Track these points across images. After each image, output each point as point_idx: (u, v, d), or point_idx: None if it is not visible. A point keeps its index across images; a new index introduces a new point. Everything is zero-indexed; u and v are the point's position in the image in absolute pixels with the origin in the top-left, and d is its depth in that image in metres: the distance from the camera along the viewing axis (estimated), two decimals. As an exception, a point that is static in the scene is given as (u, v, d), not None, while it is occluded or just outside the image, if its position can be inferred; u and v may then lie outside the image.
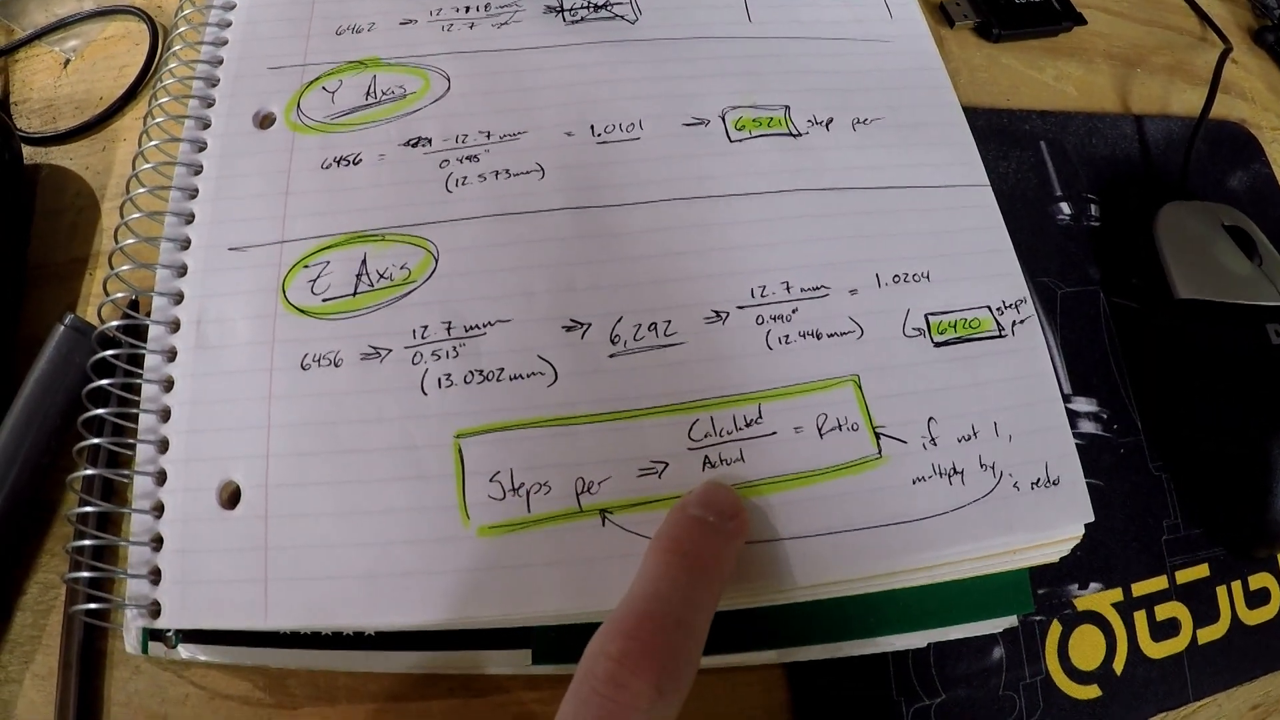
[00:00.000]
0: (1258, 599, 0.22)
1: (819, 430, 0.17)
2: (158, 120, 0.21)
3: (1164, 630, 0.21)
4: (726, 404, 0.17)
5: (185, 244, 0.19)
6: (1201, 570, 0.21)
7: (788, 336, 0.18)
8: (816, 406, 0.17)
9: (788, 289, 0.18)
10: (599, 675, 0.13)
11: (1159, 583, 0.21)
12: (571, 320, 0.18)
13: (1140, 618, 0.20)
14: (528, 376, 0.17)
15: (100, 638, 0.18)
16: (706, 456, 0.17)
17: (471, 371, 0.17)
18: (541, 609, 0.16)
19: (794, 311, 0.18)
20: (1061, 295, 0.22)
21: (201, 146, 0.20)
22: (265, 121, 0.21)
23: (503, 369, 0.17)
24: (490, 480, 0.17)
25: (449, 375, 0.17)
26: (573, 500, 0.16)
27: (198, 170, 0.20)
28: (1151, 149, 0.25)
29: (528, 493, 0.16)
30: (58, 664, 0.18)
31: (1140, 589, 0.21)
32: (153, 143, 0.21)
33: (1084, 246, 0.23)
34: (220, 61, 0.22)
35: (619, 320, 0.18)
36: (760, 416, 0.17)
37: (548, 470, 0.17)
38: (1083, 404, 0.21)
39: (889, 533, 0.17)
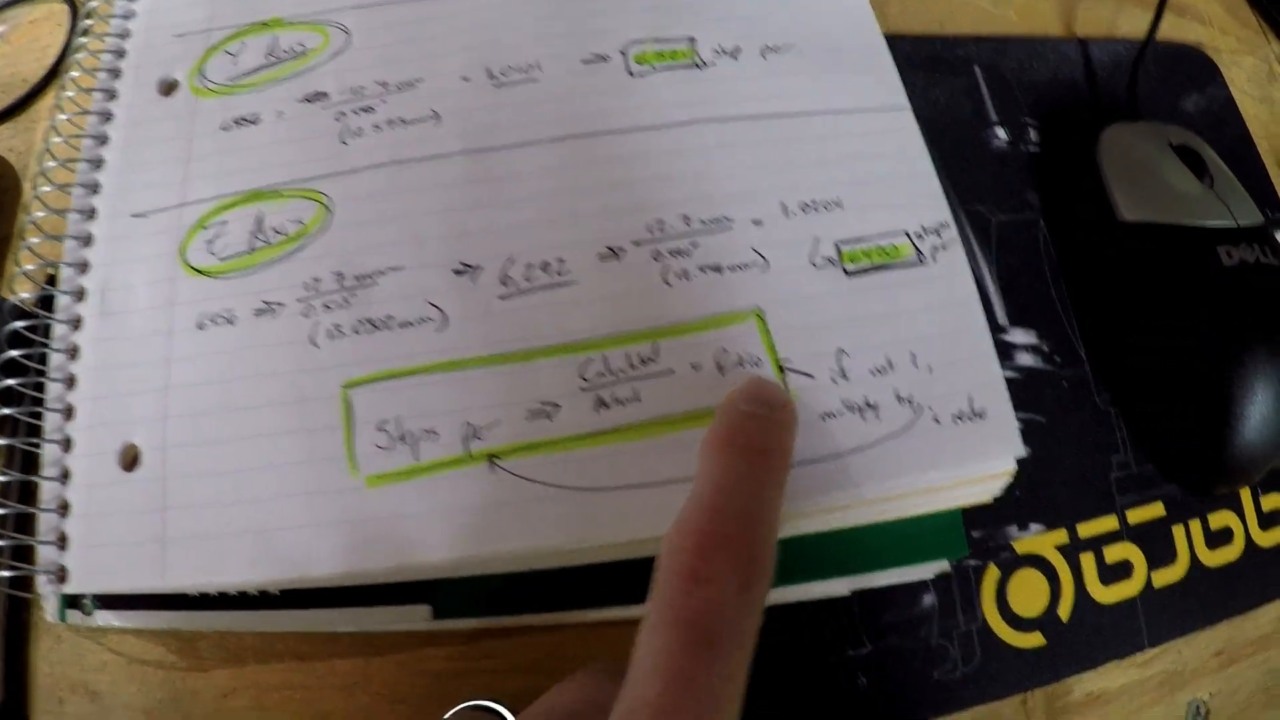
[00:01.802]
0: (1219, 539, 0.20)
1: (719, 367, 0.15)
2: (69, 94, 0.20)
3: (1114, 573, 0.19)
4: (620, 342, 0.16)
5: (91, 214, 0.18)
6: (1155, 509, 0.19)
7: (686, 272, 0.16)
8: (715, 342, 0.16)
9: (687, 222, 0.16)
10: (679, 572, 0.12)
11: (1108, 523, 0.19)
12: (462, 264, 0.16)
13: (1088, 560, 0.18)
14: (417, 323, 0.16)
15: (25, 609, 0.17)
16: (600, 396, 0.15)
17: (361, 320, 0.16)
18: (432, 558, 0.15)
19: (694, 246, 0.16)
20: (997, 223, 0.20)
21: (108, 117, 0.19)
22: (169, 89, 0.20)
23: (392, 316, 0.16)
24: (378, 429, 0.15)
25: (339, 326, 0.16)
26: (461, 446, 0.15)
27: (105, 141, 0.19)
28: (1097, 72, 0.23)
29: (416, 440, 0.15)
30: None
31: (1087, 530, 0.19)
32: (63, 116, 0.20)
33: (1022, 172, 0.21)
34: (128, 34, 0.21)
35: (510, 262, 0.16)
36: (656, 355, 0.15)
37: (436, 417, 0.15)
38: (1020, 335, 0.19)
39: (795, 473, 0.15)
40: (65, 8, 0.25)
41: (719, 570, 0.12)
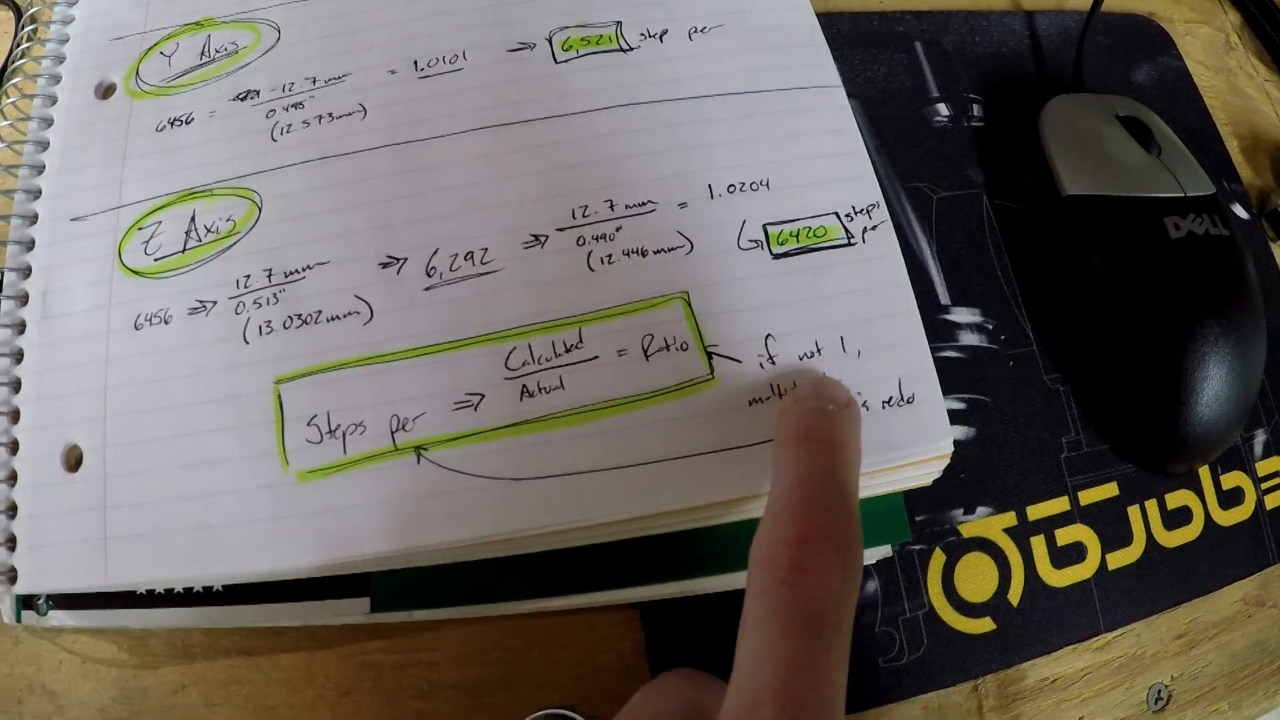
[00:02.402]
0: (1177, 519, 0.19)
1: (644, 352, 0.15)
2: (11, 100, 0.20)
3: (1067, 556, 0.18)
4: (544, 330, 0.15)
5: (33, 219, 0.18)
6: (1109, 489, 0.19)
7: (610, 256, 0.16)
8: (641, 327, 0.15)
9: (611, 207, 0.16)
10: (782, 565, 0.12)
11: (1059, 504, 0.18)
12: (388, 257, 0.16)
13: (1038, 543, 0.18)
14: (344, 316, 0.16)
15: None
16: (524, 385, 0.15)
17: (290, 316, 0.16)
18: (363, 551, 0.14)
19: (618, 230, 0.16)
20: (938, 200, 0.19)
21: (49, 122, 0.19)
22: (106, 92, 0.20)
23: (320, 311, 0.16)
24: (308, 424, 0.15)
25: (269, 322, 0.16)
26: (388, 439, 0.15)
27: (45, 146, 0.19)
28: (1043, 45, 0.23)
29: (344, 434, 0.15)
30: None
31: (1037, 512, 0.18)
32: (4, 122, 0.20)
33: (965, 148, 0.20)
34: (67, 39, 0.21)
35: (435, 253, 0.16)
36: (581, 341, 0.15)
37: (363, 410, 0.15)
38: (964, 314, 0.19)
39: (724, 458, 0.15)
40: (10, 15, 0.25)
41: (823, 560, 0.12)
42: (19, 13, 0.25)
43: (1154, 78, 0.24)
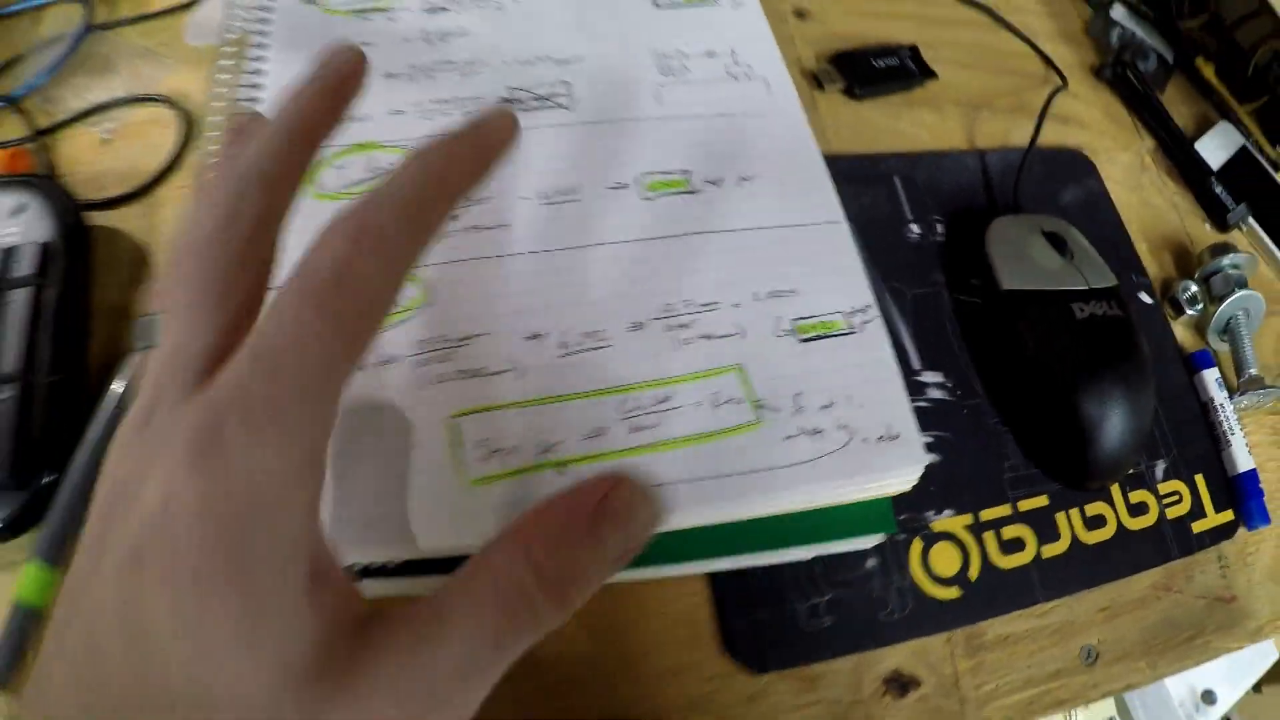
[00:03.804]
0: (1094, 523, 0.27)
1: (714, 404, 0.23)
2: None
3: (1011, 547, 0.26)
4: (646, 387, 0.24)
5: None
6: (1041, 500, 0.27)
7: (689, 339, 0.24)
8: (710, 387, 0.24)
9: (687, 305, 0.25)
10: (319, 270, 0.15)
11: (1004, 510, 0.26)
12: (532, 332, 0.25)
13: (989, 537, 0.26)
14: (502, 373, 0.24)
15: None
16: (633, 423, 0.23)
17: (460, 370, 0.24)
18: None
19: (693, 321, 0.24)
20: (912, 295, 0.28)
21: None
22: None
23: (484, 368, 0.24)
24: (477, 446, 0.23)
25: (444, 373, 0.24)
26: (538, 456, 0.23)
27: None
28: (992, 176, 0.32)
29: (505, 454, 0.23)
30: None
31: (987, 515, 0.26)
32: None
33: (931, 257, 0.29)
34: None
35: (566, 331, 0.24)
36: (670, 396, 0.24)
37: (518, 437, 0.23)
38: (931, 376, 0.27)
39: (768, 475, 0.23)
40: (171, 112, 0.33)
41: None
42: (179, 108, 0.34)
43: (1079, 197, 0.33)
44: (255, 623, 0.13)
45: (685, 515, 0.23)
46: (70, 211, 0.27)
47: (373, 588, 0.25)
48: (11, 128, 0.30)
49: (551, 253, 0.26)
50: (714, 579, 0.24)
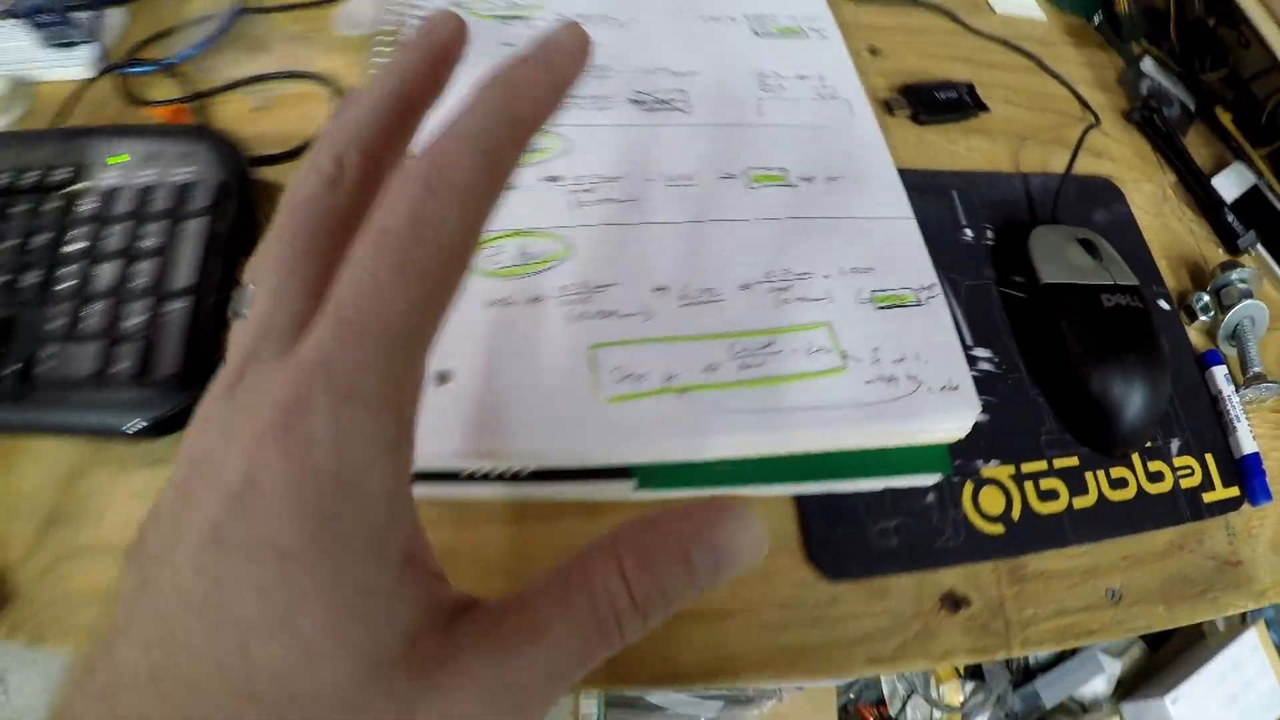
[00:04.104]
0: (1118, 484, 0.32)
1: (808, 351, 0.29)
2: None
3: (1047, 496, 0.31)
4: (752, 335, 0.29)
5: None
6: (1073, 460, 0.32)
7: (787, 299, 0.30)
8: (806, 338, 0.29)
9: (785, 273, 0.30)
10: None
11: (1041, 465, 0.31)
12: (658, 285, 0.30)
13: (1029, 486, 0.31)
14: (633, 315, 0.29)
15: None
16: (741, 361, 0.28)
17: (598, 311, 0.29)
18: (646, 451, 0.27)
19: (790, 285, 0.30)
20: (965, 286, 0.34)
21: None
22: None
23: (617, 310, 0.29)
24: (611, 371, 0.28)
25: (584, 312, 0.29)
26: (662, 383, 0.28)
27: None
28: (1034, 195, 0.37)
29: (634, 379, 0.28)
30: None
31: (1027, 468, 0.31)
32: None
33: (982, 257, 0.35)
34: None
35: (686, 286, 0.30)
36: (772, 343, 0.29)
37: (646, 367, 0.28)
38: (981, 352, 0.33)
39: (850, 410, 0.28)
40: (321, 89, 0.37)
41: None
42: (330, 85, 0.40)
43: (1108, 218, 0.38)
44: (345, 610, 0.13)
45: (779, 441, 0.28)
46: (237, 160, 0.33)
47: (490, 491, 0.30)
48: (166, 90, 0.37)
49: (674, 225, 0.32)
50: (800, 501, 0.29)
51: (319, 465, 0.13)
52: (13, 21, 0.37)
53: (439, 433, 0.26)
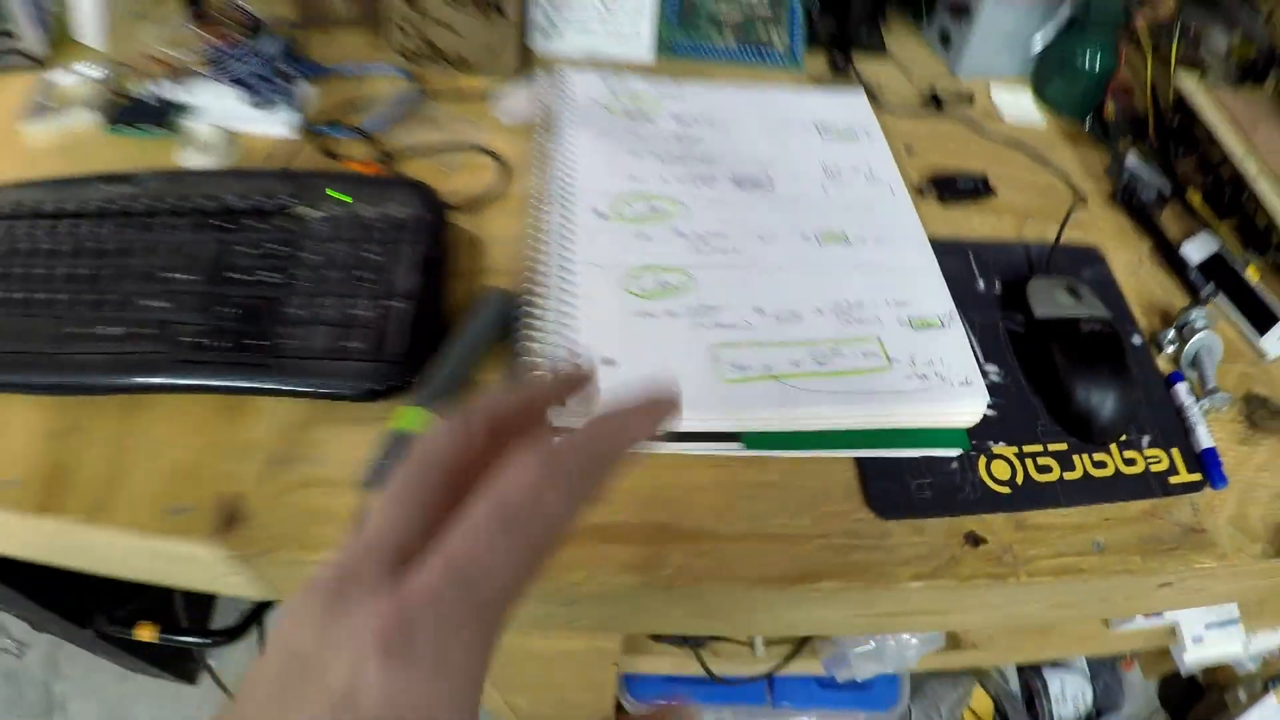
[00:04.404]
0: (1099, 465, 0.43)
1: (863, 355, 0.42)
2: (542, 211, 0.50)
3: (1043, 470, 0.42)
4: (824, 343, 0.42)
5: (567, 264, 0.47)
6: (1062, 446, 0.43)
7: (849, 320, 0.43)
8: (861, 346, 0.42)
9: (848, 302, 0.43)
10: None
11: (1038, 448, 0.43)
12: (755, 308, 0.43)
13: (1029, 461, 0.42)
14: (741, 326, 0.43)
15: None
16: (816, 359, 0.41)
17: (715, 323, 0.43)
18: (752, 420, 0.40)
19: (851, 311, 0.43)
20: (979, 323, 0.46)
21: (567, 225, 0.49)
22: (602, 216, 0.49)
23: (729, 323, 0.43)
24: (728, 364, 0.41)
25: (705, 323, 0.43)
26: (764, 372, 0.41)
27: (570, 237, 0.48)
28: (1032, 258, 0.50)
29: (744, 369, 0.41)
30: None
31: (1028, 449, 0.43)
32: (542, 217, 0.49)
33: (991, 302, 0.48)
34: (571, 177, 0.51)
35: (778, 309, 0.43)
36: (839, 348, 0.42)
37: (751, 360, 0.41)
38: (991, 368, 0.45)
39: (894, 395, 0.40)
40: (485, 159, 0.53)
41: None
42: (507, 167, 0.56)
43: (1092, 276, 0.51)
44: None
45: (843, 415, 0.40)
46: (438, 204, 0.48)
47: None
48: (353, 152, 0.53)
49: (766, 267, 0.46)
50: (860, 462, 0.41)
51: (415, 695, 0.15)
52: (226, 84, 0.55)
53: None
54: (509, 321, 0.43)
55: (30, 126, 0.57)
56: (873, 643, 0.77)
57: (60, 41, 0.64)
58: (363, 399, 0.41)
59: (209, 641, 0.85)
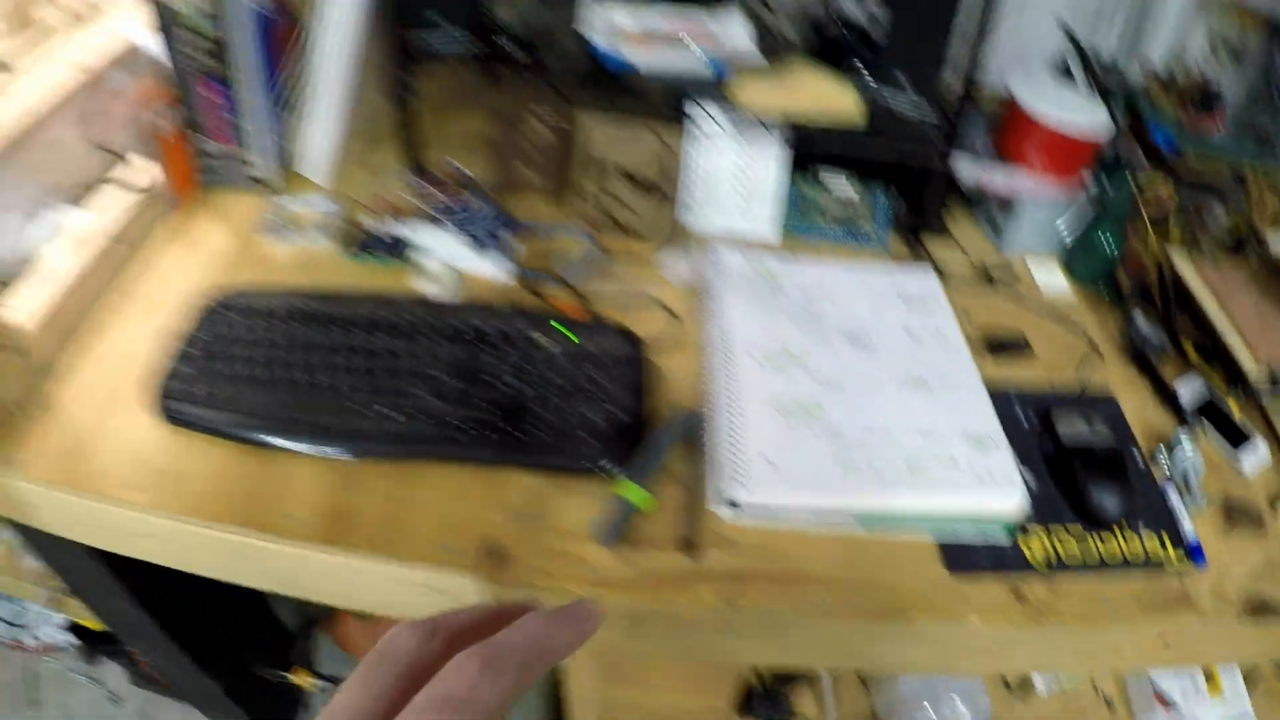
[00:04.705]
0: (1106, 542, 0.63)
1: (938, 463, 0.63)
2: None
3: (1065, 547, 0.62)
4: (911, 454, 0.64)
5: (731, 392, 0.71)
6: (1079, 528, 0.63)
7: (923, 434, 0.65)
8: (937, 457, 0.64)
9: (923, 424, 0.66)
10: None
11: (1061, 531, 0.63)
12: (866, 427, 0.66)
13: (1056, 540, 0.62)
14: (856, 440, 0.65)
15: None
16: (909, 465, 0.63)
17: (837, 437, 0.66)
18: (863, 503, 0.62)
19: (925, 430, 0.65)
20: (1020, 443, 0.67)
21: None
22: (754, 360, 0.73)
23: (850, 439, 0.65)
24: (847, 465, 0.64)
25: (831, 436, 0.66)
26: (872, 471, 0.63)
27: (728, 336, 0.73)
28: (1060, 398, 0.71)
29: (858, 469, 0.64)
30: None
31: (1054, 532, 0.63)
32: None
33: (1029, 429, 0.69)
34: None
35: (871, 424, 0.66)
36: (922, 458, 0.64)
37: (864, 463, 0.64)
38: (1026, 474, 0.66)
39: (953, 489, 0.62)
40: (659, 308, 0.81)
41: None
42: (676, 317, 0.81)
43: (1107, 410, 0.72)
44: None
45: (926, 504, 0.62)
46: (636, 341, 0.72)
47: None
48: (559, 294, 0.79)
49: (871, 401, 0.69)
50: (938, 539, 0.63)
51: None
52: (451, 230, 0.79)
53: (767, 483, 0.63)
54: (691, 429, 0.67)
55: (270, 241, 0.77)
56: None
57: (288, 172, 0.85)
58: (589, 475, 0.61)
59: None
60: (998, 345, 0.76)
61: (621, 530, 0.59)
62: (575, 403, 0.65)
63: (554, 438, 0.62)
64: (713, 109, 0.85)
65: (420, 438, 0.61)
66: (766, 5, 0.99)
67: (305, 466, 0.60)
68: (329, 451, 0.60)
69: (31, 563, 1.12)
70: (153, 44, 0.80)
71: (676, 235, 0.85)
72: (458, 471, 0.61)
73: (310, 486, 0.59)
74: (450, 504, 0.59)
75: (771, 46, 0.91)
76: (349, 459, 0.60)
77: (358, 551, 0.55)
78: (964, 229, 0.90)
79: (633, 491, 0.60)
